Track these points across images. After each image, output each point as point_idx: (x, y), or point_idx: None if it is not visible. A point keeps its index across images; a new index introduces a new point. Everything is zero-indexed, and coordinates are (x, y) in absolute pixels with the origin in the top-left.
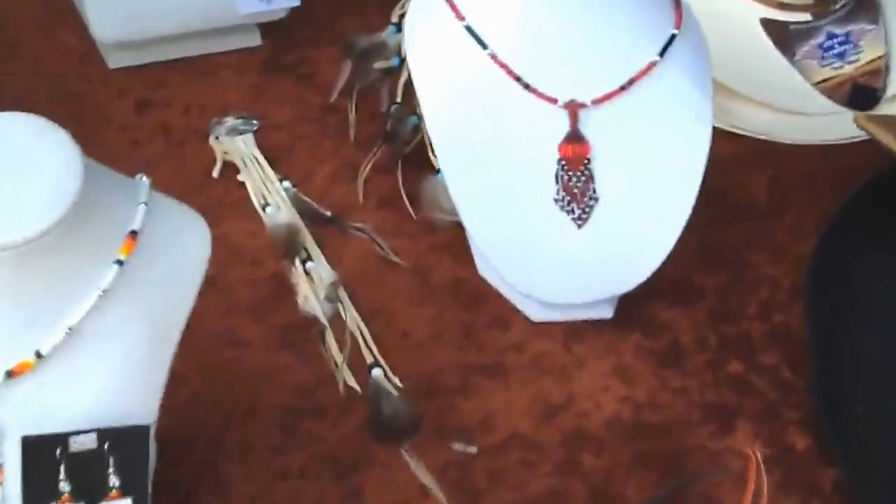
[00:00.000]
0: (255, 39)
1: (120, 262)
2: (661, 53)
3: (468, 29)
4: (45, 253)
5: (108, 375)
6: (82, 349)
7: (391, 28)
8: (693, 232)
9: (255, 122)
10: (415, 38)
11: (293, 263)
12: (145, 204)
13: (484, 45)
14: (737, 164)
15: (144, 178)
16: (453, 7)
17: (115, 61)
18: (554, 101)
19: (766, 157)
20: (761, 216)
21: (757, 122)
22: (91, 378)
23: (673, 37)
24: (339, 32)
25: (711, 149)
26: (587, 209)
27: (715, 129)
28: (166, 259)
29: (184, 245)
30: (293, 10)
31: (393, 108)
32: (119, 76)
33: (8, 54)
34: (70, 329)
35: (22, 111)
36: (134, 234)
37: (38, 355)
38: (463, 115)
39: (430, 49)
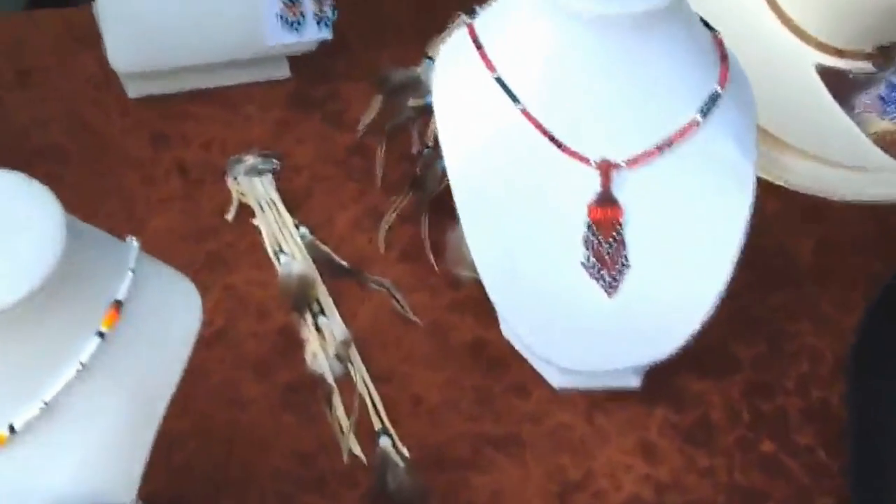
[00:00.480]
0: (283, 71)
1: (102, 335)
2: (703, 112)
3: (499, 81)
4: (22, 321)
5: (86, 452)
6: (59, 424)
7: (427, 62)
8: (730, 297)
9: (275, 161)
10: (442, 86)
11: (304, 317)
12: (133, 271)
13: (515, 99)
14: (782, 223)
15: (134, 242)
16: (484, 57)
17: (134, 90)
18: (586, 160)
19: (815, 215)
20: (806, 282)
21: (808, 177)
22: (68, 455)
23: (717, 95)
24: (372, 65)
25: (755, 205)
26: (618, 276)
27: (761, 183)
28: (152, 331)
29: (172, 316)
30: (325, 41)
31: (424, 151)
32: (138, 107)
33: (23, 80)
34: (46, 404)
35: (33, 141)
36: (118, 304)
37: (12, 430)
38: (488, 169)
39: (457, 99)
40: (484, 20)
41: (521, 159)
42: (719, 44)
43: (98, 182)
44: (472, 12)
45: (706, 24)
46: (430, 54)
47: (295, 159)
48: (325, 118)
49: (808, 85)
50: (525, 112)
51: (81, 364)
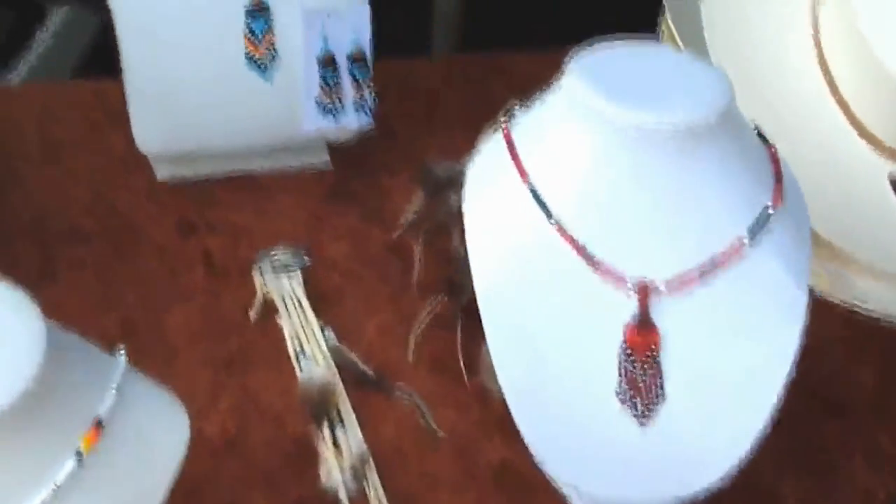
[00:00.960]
0: (322, 159)
1: (79, 456)
2: (752, 233)
3: (532, 192)
4: None
5: None
6: None
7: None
8: (777, 427)
9: (306, 257)
10: (473, 192)
11: (321, 428)
12: (117, 389)
13: (548, 212)
14: (842, 348)
15: (122, 356)
16: (517, 164)
17: (163, 173)
18: (622, 280)
19: (879, 341)
20: (862, 414)
21: (875, 298)
22: None
23: (768, 215)
24: (417, 157)
25: (813, 326)
26: (652, 406)
27: (822, 302)
28: (134, 454)
29: (157, 440)
30: (367, 130)
31: (463, 253)
32: (166, 191)
33: (49, 156)
34: None
35: (55, 222)
36: (99, 423)
37: None
38: (517, 284)
39: (487, 207)
40: (521, 123)
41: (553, 275)
42: (775, 159)
43: (119, 268)
44: (511, 113)
45: (761, 137)
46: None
47: (327, 256)
48: (364, 213)
49: (881, 196)
50: (558, 226)
51: (56, 486)
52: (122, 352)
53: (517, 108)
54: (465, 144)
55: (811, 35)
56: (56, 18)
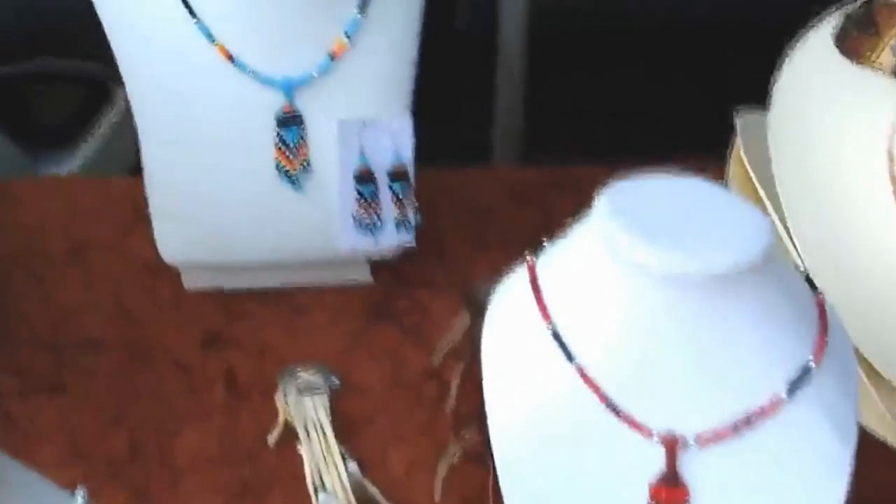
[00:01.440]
0: (363, 275)
1: None
2: (790, 388)
3: (554, 334)
4: None
5: None
6: None
7: None
8: None
9: (334, 379)
10: (492, 330)
11: None
12: None
13: (570, 356)
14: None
15: (80, 498)
16: (541, 304)
17: (191, 281)
18: (648, 432)
19: None
20: None
21: None
22: None
23: (809, 368)
24: (465, 274)
25: (864, 472)
26: None
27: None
28: None
29: None
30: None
31: None
32: (193, 300)
33: (74, 255)
34: None
35: (71, 329)
36: None
37: None
38: (535, 432)
39: (506, 347)
40: (548, 259)
41: (575, 427)
42: (821, 307)
43: (133, 382)
44: (540, 246)
45: (809, 282)
46: None
47: (359, 378)
48: (403, 333)
49: None
50: (581, 371)
51: None
52: (82, 495)
53: (546, 241)
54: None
55: (887, 167)
56: (122, 98)
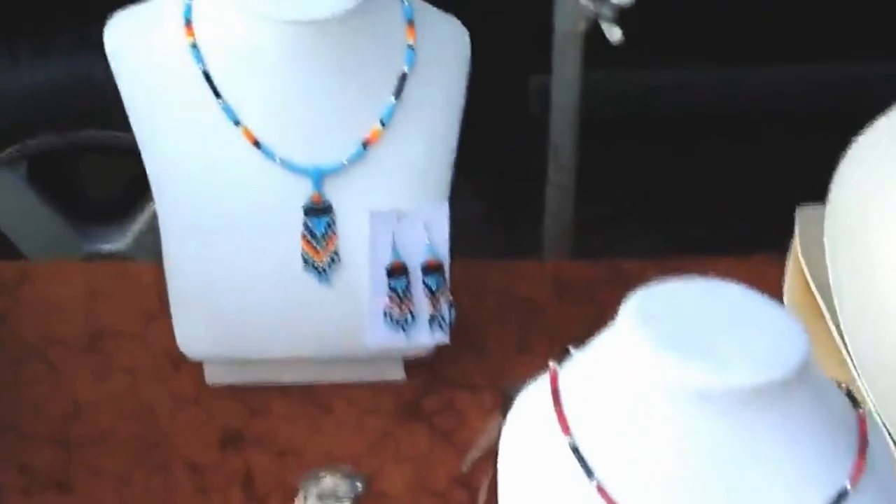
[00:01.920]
0: (395, 373)
1: None
2: None
3: (574, 448)
4: None
5: None
6: None
7: None
8: None
9: (359, 484)
10: (510, 441)
11: None
12: None
13: (589, 471)
14: None
15: None
16: (560, 415)
17: (213, 376)
18: None
19: None
20: None
21: None
22: None
23: (845, 492)
24: (504, 374)
25: None
26: None
27: None
28: None
29: None
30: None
31: None
32: (214, 395)
33: (89, 345)
34: None
35: (83, 423)
36: None
37: None
38: None
39: (524, 459)
40: (572, 367)
41: None
42: (862, 424)
43: (144, 482)
44: (566, 353)
45: (849, 396)
46: None
47: (385, 484)
48: (434, 434)
49: None
50: (600, 488)
51: None
52: None
53: (573, 348)
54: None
55: None
56: None
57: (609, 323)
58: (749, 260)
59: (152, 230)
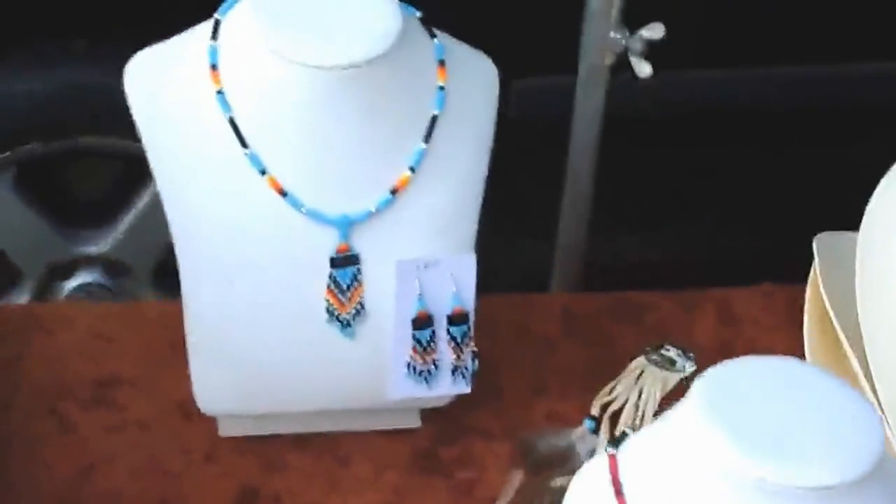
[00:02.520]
0: (412, 421)
1: None
2: None
3: None
4: None
5: None
6: None
7: (587, 424)
8: None
9: None
10: None
11: None
12: None
13: None
14: None
15: None
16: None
17: (228, 429)
18: None
19: None
20: None
21: None
22: None
23: None
24: (521, 420)
25: None
26: None
27: None
28: None
29: None
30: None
31: None
32: (229, 449)
33: (101, 395)
34: None
35: (95, 482)
36: None
37: None
38: None
39: None
40: (632, 454)
41: None
42: None
43: None
44: (620, 441)
45: None
46: (592, 413)
47: None
48: (453, 487)
49: None
50: None
51: None
52: None
53: (630, 432)
54: (579, 406)
55: None
56: None
57: (620, 363)
58: (758, 288)
59: (138, 232)
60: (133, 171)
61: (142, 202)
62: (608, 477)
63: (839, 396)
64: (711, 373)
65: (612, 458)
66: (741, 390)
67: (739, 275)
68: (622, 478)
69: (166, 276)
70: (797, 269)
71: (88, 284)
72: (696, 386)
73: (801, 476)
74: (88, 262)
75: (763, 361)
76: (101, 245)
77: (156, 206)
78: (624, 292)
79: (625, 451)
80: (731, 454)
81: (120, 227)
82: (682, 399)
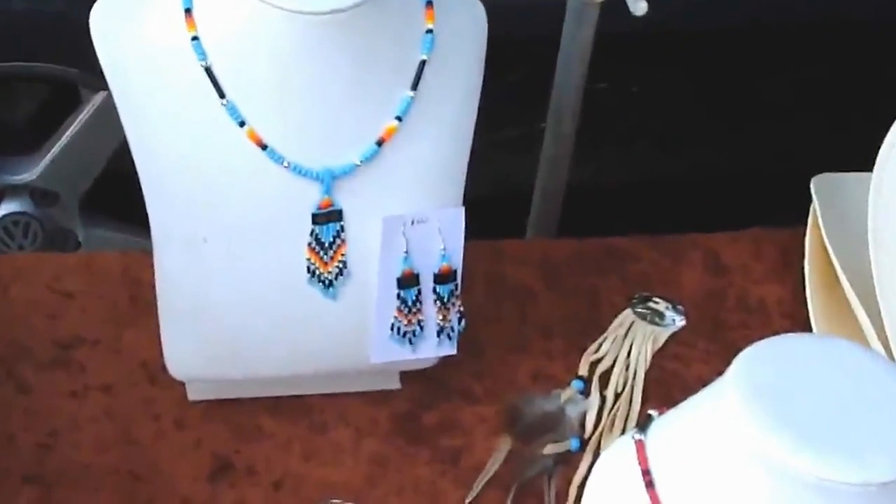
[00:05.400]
0: (391, 383)
1: None
2: None
3: None
4: None
5: None
6: None
7: (576, 385)
8: None
9: None
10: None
11: None
12: None
13: None
14: None
15: None
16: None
17: (197, 392)
18: None
19: None
20: None
21: None
22: None
23: None
24: (505, 380)
25: None
26: None
27: None
28: None
29: None
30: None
31: None
32: (199, 415)
33: (60, 358)
34: None
35: (57, 455)
36: None
37: None
38: None
39: None
40: (660, 440)
41: None
42: None
43: None
44: (647, 422)
45: None
46: (580, 373)
47: None
48: (436, 457)
49: None
50: None
51: None
52: None
53: (655, 414)
54: (566, 365)
55: None
56: (92, 103)
57: (605, 318)
58: (746, 234)
59: (66, 160)
60: (61, 96)
61: (70, 129)
62: (637, 467)
63: (886, 376)
64: (749, 354)
65: (640, 444)
66: (784, 374)
67: (726, 216)
68: (651, 463)
69: (94, 206)
70: (787, 214)
71: (14, 213)
72: (735, 369)
73: (859, 472)
74: (14, 190)
75: (804, 340)
76: (24, 174)
77: (85, 132)
78: (604, 238)
79: (652, 437)
80: (780, 449)
81: (47, 155)
82: (716, 380)
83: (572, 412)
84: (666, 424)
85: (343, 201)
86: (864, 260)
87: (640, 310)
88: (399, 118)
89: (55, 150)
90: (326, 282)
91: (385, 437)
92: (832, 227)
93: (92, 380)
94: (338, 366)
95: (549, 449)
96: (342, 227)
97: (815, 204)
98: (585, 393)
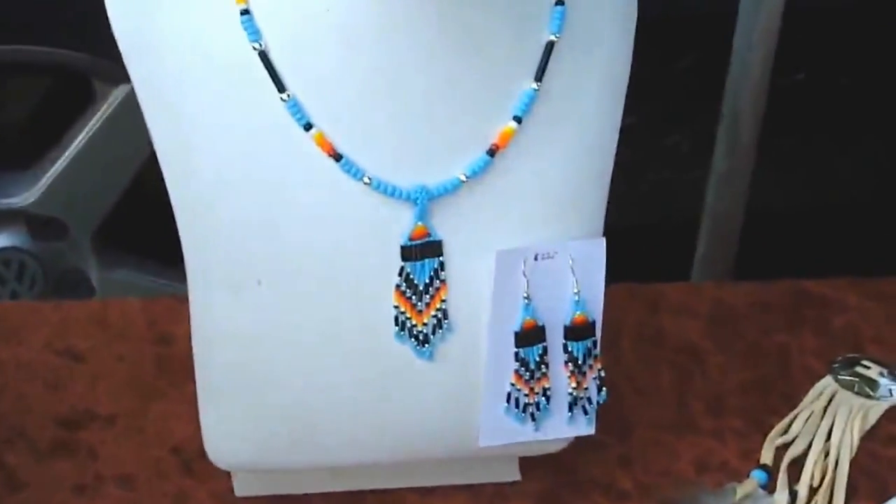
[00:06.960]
0: (508, 474)
1: None
2: None
3: None
4: None
5: None
6: None
7: (756, 476)
8: None
9: None
10: None
11: None
12: None
13: None
14: None
15: None
16: None
17: (246, 486)
18: None
19: None
20: None
21: None
22: None
23: None
24: (660, 476)
25: None
26: None
27: None
28: None
29: None
30: None
31: None
32: None
33: (61, 437)
34: None
35: None
36: None
37: None
38: None
39: None
40: None
41: None
42: None
43: None
44: None
45: None
46: (762, 461)
47: None
48: None
49: None
50: None
51: None
52: None
53: None
54: (743, 450)
55: None
56: (108, 101)
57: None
58: None
59: (75, 178)
60: (67, 91)
61: (80, 135)
62: None
63: None
64: None
65: None
66: None
67: None
68: None
69: (112, 239)
70: None
71: (5, 249)
72: None
73: None
74: (6, 218)
75: None
76: (18, 197)
77: (99, 140)
78: (797, 280)
79: None
80: None
81: (49, 171)
82: None
83: None
84: None
85: (442, 230)
86: None
87: (844, 377)
88: (518, 119)
89: (60, 164)
90: (421, 337)
91: None
92: None
93: (106, 469)
94: (436, 451)
95: None
96: (441, 265)
97: None
98: (770, 488)
